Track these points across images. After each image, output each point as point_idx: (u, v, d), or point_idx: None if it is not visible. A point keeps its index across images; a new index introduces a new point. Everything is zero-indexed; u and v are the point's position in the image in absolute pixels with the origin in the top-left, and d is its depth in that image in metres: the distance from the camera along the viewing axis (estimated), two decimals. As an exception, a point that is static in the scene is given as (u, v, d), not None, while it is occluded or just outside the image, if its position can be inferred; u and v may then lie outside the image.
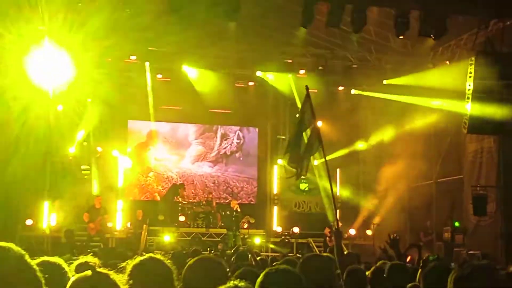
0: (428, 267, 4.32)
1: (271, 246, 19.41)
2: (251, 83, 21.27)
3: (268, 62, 20.23)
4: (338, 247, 6.12)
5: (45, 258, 3.21)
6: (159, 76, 20.13)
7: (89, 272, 2.30)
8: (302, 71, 20.33)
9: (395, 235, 5.87)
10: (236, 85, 21.14)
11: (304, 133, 7.45)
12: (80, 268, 2.33)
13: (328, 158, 6.88)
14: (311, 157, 7.41)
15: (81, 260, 2.39)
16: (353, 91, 20.68)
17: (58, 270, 3.18)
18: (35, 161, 18.85)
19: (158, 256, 3.22)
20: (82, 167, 19.34)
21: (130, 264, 3.09)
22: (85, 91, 18.35)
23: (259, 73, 20.40)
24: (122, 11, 14.07)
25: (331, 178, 7.46)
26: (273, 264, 8.15)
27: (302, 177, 8.18)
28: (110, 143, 20.18)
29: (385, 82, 19.74)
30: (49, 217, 18.55)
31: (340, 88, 21.14)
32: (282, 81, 20.84)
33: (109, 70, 19.03)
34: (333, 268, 4.74)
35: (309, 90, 7.13)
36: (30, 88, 14.67)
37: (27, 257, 2.17)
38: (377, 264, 6.86)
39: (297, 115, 7.61)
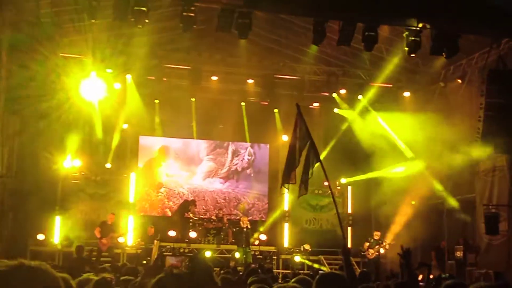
0: (444, 284, 4.28)
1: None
2: (263, 100, 21.34)
3: (278, 79, 20.38)
4: (347, 265, 6.12)
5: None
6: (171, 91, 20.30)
7: None
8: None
9: (408, 247, 5.83)
10: (248, 101, 21.25)
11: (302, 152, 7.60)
12: (98, 285, 2.35)
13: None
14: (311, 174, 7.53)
15: (99, 276, 2.40)
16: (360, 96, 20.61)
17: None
18: (48, 175, 19.03)
19: (177, 272, 3.21)
20: None
21: (151, 281, 3.09)
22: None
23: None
24: (132, 28, 14.27)
25: (334, 194, 7.57)
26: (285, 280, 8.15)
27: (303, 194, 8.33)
28: (121, 159, 20.34)
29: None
30: (60, 232, 18.63)
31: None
32: (293, 98, 20.94)
33: (122, 86, 19.40)
34: (348, 285, 4.73)
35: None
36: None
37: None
38: (387, 283, 6.86)
39: (297, 134, 7.76)
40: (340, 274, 4.44)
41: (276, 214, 21.37)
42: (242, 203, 21.65)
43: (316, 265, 18.95)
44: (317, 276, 4.07)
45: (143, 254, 17.82)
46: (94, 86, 18.72)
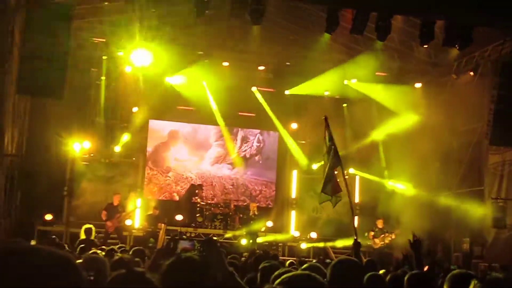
0: (452, 273, 4.28)
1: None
2: (274, 87, 21.29)
3: (289, 67, 20.31)
4: (357, 257, 6.17)
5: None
6: (182, 76, 20.27)
7: (124, 270, 2.30)
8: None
9: (418, 237, 5.84)
10: (258, 88, 21.21)
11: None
12: (115, 265, 2.33)
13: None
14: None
15: (117, 256, 2.38)
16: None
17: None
18: (57, 156, 19.11)
19: (190, 255, 3.24)
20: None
21: (163, 264, 3.12)
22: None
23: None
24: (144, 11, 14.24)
25: (350, 194, 7.81)
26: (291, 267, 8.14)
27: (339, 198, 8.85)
28: (130, 142, 20.41)
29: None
30: (68, 213, 18.71)
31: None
32: (304, 86, 20.90)
33: (133, 68, 19.36)
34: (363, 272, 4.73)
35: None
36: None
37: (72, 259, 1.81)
38: (397, 272, 6.87)
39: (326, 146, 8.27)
40: (357, 261, 4.47)
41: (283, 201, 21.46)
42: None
43: (321, 244, 18.95)
44: (334, 261, 4.09)
45: (148, 236, 17.84)
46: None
